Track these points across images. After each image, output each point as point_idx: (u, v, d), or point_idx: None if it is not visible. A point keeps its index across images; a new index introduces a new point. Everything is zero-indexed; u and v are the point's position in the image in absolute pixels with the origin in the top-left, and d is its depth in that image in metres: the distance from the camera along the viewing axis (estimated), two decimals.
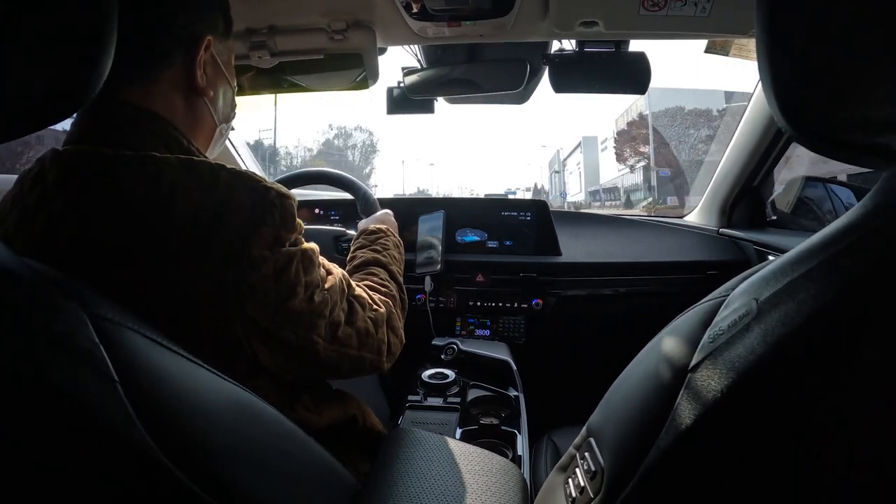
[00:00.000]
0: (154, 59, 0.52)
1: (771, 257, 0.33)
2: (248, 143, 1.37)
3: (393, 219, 0.91)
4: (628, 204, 23.54)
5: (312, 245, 0.55)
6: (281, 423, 0.46)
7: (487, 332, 1.26)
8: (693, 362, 0.33)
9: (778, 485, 0.30)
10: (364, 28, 0.93)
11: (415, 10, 0.89)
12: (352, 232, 0.96)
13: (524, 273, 1.23)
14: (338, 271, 0.60)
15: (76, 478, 0.33)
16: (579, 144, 31.62)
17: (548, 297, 1.23)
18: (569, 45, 1.03)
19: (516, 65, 1.01)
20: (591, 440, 0.42)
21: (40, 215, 0.47)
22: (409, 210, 1.26)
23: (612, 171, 27.05)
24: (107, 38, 0.37)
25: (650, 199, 21.45)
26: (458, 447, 0.68)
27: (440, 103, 1.23)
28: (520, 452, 0.85)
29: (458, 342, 1.10)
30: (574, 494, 0.41)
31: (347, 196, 1.03)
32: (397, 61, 1.11)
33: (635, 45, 1.02)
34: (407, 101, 1.12)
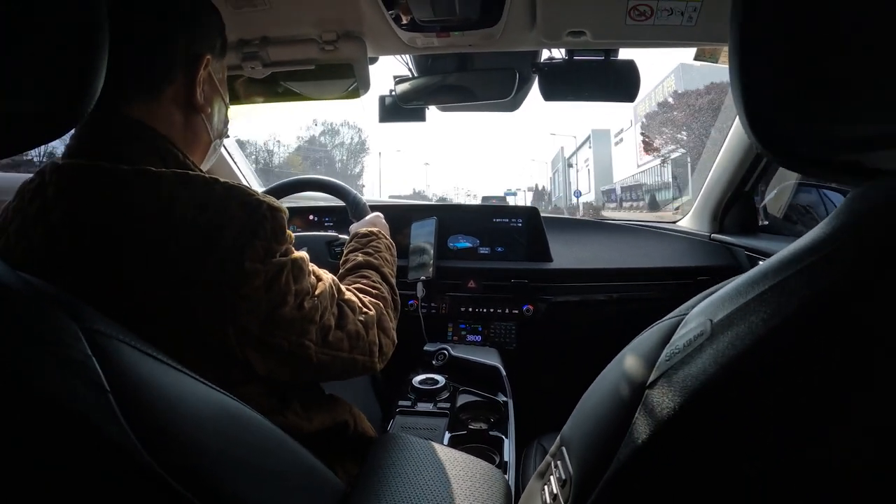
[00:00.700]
0: (157, 77, 0.54)
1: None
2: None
3: (384, 221, 0.92)
4: (653, 205, 18.93)
5: (302, 254, 0.57)
6: (269, 430, 0.47)
7: (479, 338, 1.27)
8: (650, 379, 0.33)
9: (730, 502, 0.31)
10: (354, 39, 0.94)
11: (404, 22, 0.90)
12: (344, 236, 0.97)
13: (515, 279, 1.24)
14: (327, 277, 0.61)
15: (68, 485, 0.34)
16: (588, 139, 27.40)
17: (539, 303, 1.24)
18: (558, 53, 1.03)
19: (506, 73, 1.02)
20: (563, 449, 0.42)
21: (39, 227, 0.48)
22: (401, 216, 1.27)
23: (629, 167, 22.56)
24: (98, 59, 0.38)
25: (684, 198, 15.51)
26: (444, 452, 0.69)
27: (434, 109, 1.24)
28: (506, 457, 0.86)
29: (450, 348, 1.12)
30: (549, 501, 0.42)
31: (341, 202, 1.04)
32: (389, 69, 1.12)
33: (625, 53, 1.03)
34: (398, 109, 1.13)
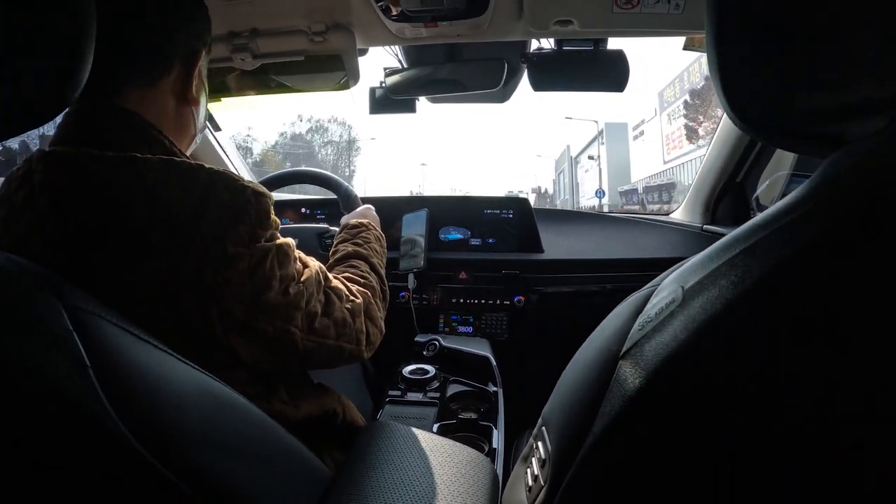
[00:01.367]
0: (157, 66, 0.55)
1: None
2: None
3: (374, 213, 0.93)
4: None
5: (288, 240, 0.57)
6: (254, 413, 0.48)
7: (470, 329, 1.27)
8: (623, 350, 0.33)
9: (700, 474, 0.30)
10: (343, 30, 0.94)
11: (393, 13, 0.91)
12: (335, 228, 0.98)
13: (507, 270, 1.24)
14: (314, 264, 0.62)
15: (47, 458, 0.34)
16: (599, 134, 24.29)
17: (530, 293, 1.24)
18: (547, 43, 1.04)
19: (495, 64, 1.02)
20: (543, 429, 0.42)
21: (26, 214, 0.49)
22: (392, 208, 1.28)
23: (652, 164, 19.75)
24: (84, 50, 0.39)
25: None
26: (432, 440, 0.69)
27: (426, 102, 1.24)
28: (495, 446, 0.86)
29: (441, 339, 1.12)
30: (531, 483, 0.42)
31: (333, 196, 1.05)
32: (379, 61, 1.12)
33: (614, 43, 1.03)
34: (389, 100, 1.14)
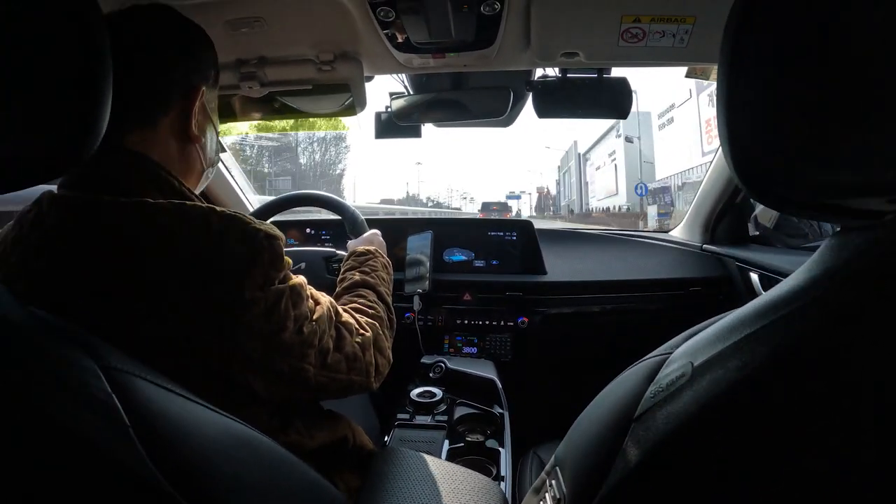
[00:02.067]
0: (154, 106, 0.56)
1: (728, 313, 0.35)
2: None
3: (381, 238, 0.94)
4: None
5: (300, 279, 0.58)
6: (274, 450, 0.49)
7: (475, 350, 1.29)
8: (637, 413, 0.36)
9: None
10: (351, 59, 0.95)
11: (399, 41, 0.92)
12: (342, 252, 0.98)
13: (510, 292, 1.26)
14: (325, 300, 0.63)
15: None
16: (613, 127, 20.51)
17: (533, 315, 1.26)
18: (552, 71, 1.05)
19: (501, 92, 1.04)
20: (557, 469, 0.45)
21: (41, 260, 0.49)
22: (397, 229, 1.29)
23: (686, 157, 16.05)
24: (101, 105, 0.40)
25: None
26: (443, 467, 0.71)
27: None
28: (503, 469, 0.88)
29: (446, 360, 1.13)
30: None
31: (337, 216, 1.06)
32: (385, 86, 1.13)
33: (618, 70, 1.05)
34: (394, 125, 1.15)
